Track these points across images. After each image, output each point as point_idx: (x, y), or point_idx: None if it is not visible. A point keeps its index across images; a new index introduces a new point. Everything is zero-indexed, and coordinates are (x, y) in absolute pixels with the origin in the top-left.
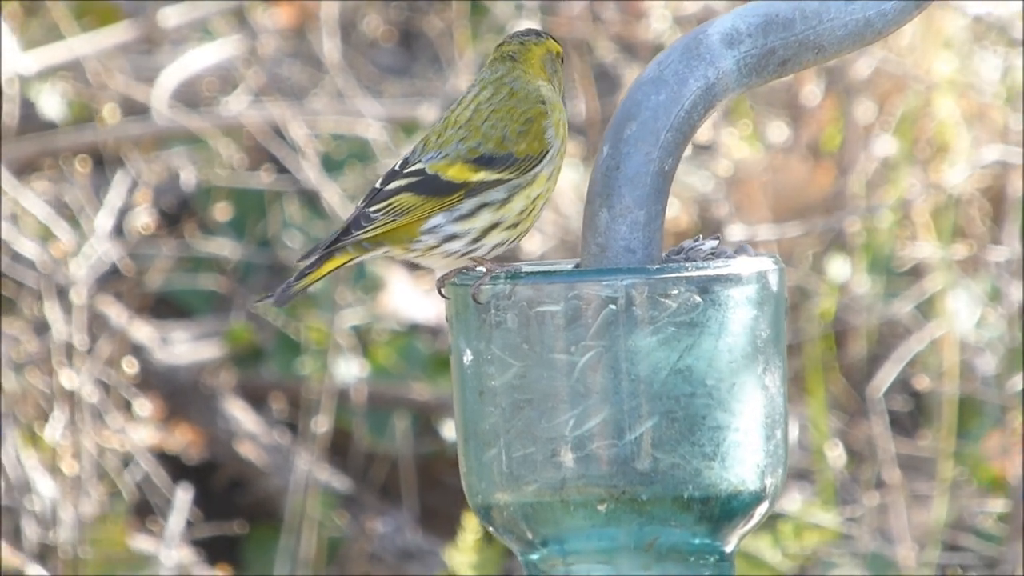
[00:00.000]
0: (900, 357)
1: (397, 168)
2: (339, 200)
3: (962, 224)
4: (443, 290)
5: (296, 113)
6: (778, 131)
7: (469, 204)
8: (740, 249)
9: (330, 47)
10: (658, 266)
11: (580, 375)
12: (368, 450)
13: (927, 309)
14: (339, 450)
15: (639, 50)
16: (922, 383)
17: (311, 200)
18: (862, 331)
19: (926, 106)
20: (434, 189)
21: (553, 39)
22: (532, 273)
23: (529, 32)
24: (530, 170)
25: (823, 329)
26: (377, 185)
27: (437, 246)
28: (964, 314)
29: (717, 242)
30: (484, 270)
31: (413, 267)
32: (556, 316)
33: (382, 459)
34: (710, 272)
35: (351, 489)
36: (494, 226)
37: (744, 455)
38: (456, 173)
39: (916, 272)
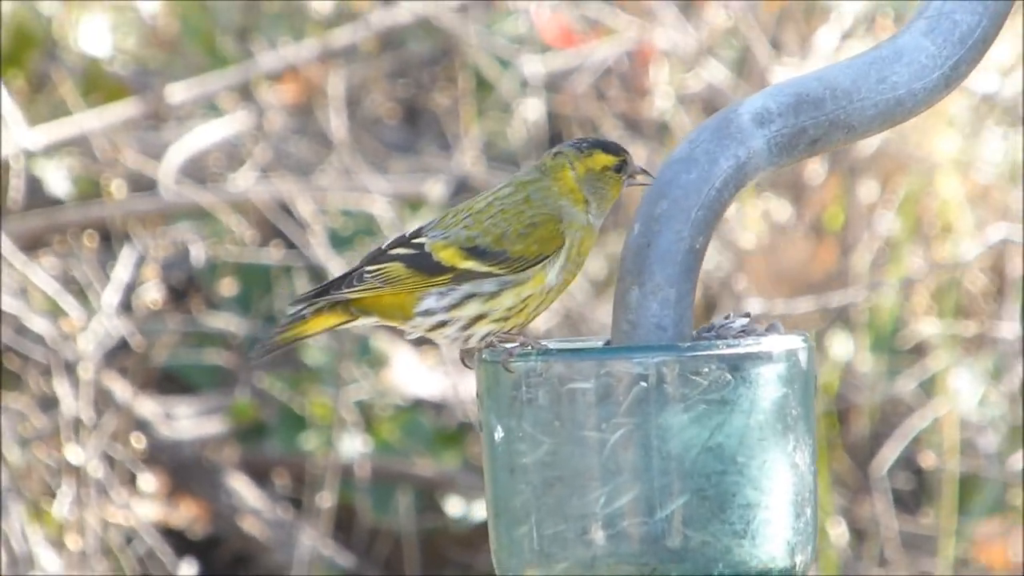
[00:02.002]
0: (903, 435)
1: (407, 235)
2: None
3: (964, 303)
4: (467, 361)
5: (303, 189)
6: (782, 209)
7: (459, 292)
8: (771, 327)
9: (337, 123)
10: (689, 344)
11: (611, 452)
12: (372, 526)
13: (929, 387)
14: (343, 526)
15: (643, 127)
16: (926, 461)
17: (318, 276)
18: (865, 409)
19: (929, 185)
20: (423, 266)
21: (606, 149)
22: (563, 350)
23: (574, 145)
24: (523, 270)
25: (826, 406)
26: (383, 246)
27: (431, 329)
28: (966, 392)
29: (748, 320)
30: (513, 346)
31: (418, 342)
32: (587, 393)
33: (386, 535)
34: (741, 350)
35: (355, 565)
36: (482, 317)
37: (774, 533)
38: (447, 256)
39: (919, 350)
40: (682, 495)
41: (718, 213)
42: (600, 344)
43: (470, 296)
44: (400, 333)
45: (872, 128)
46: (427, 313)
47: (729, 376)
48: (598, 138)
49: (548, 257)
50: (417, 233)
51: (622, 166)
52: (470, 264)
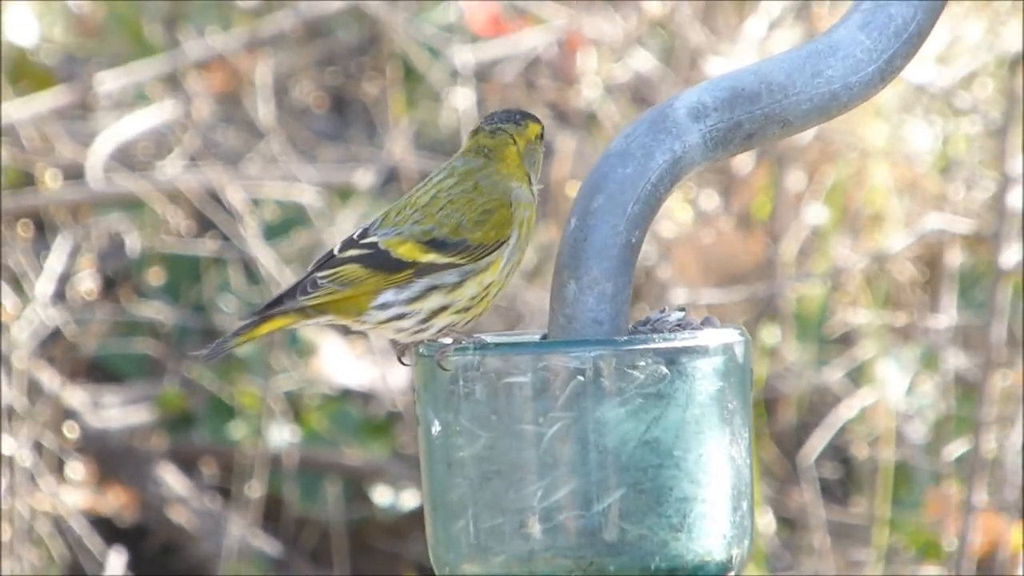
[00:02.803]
0: (830, 424)
1: (355, 237)
2: (275, 266)
3: (893, 292)
4: (404, 359)
5: (232, 177)
6: (709, 199)
7: (419, 285)
8: (706, 320)
9: (265, 111)
10: (626, 338)
11: (548, 446)
12: (300, 515)
13: (857, 377)
14: (271, 515)
15: (571, 117)
16: (860, 450)
17: (247, 265)
18: (793, 398)
19: (857, 175)
20: (383, 264)
21: (534, 118)
22: (500, 344)
23: (508, 119)
24: (483, 257)
25: (754, 396)
26: (334, 251)
27: (386, 322)
28: (894, 382)
29: (683, 313)
30: (450, 340)
31: (347, 332)
32: (524, 387)
33: (314, 524)
34: (677, 344)
35: (283, 554)
36: (443, 308)
37: (711, 526)
38: (406, 252)
39: (847, 340)
40: (619, 489)
41: (654, 207)
42: (537, 338)
43: (431, 288)
44: (346, 328)
45: (808, 122)
46: (383, 307)
47: (665, 370)
48: (520, 109)
49: (505, 242)
50: (364, 234)
51: (543, 132)
52: (431, 257)
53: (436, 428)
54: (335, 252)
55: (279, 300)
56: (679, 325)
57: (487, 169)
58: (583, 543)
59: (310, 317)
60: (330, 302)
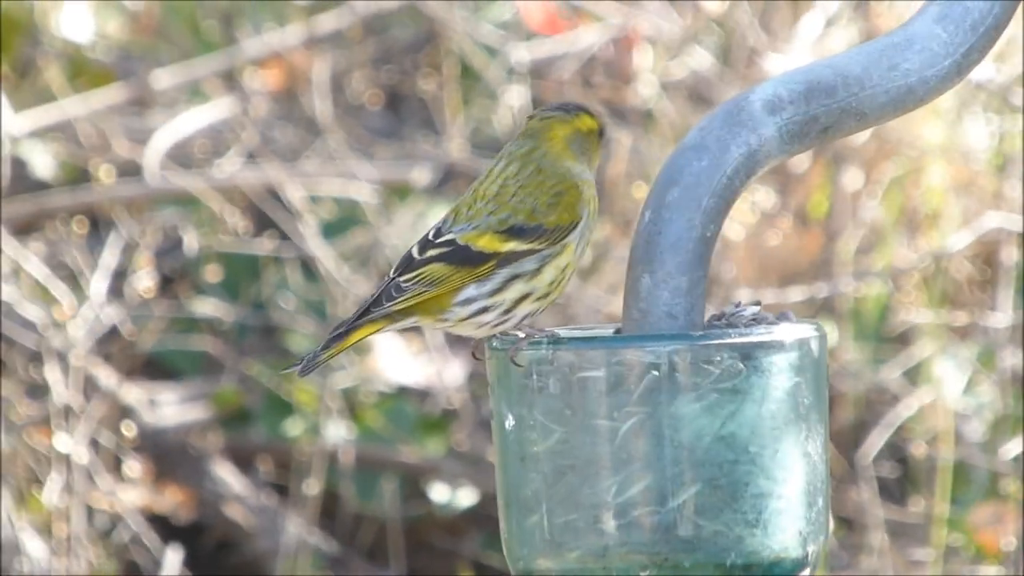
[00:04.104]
0: (888, 423)
1: (431, 237)
2: (334, 263)
3: (949, 291)
4: (477, 354)
5: (290, 175)
6: (767, 198)
7: (501, 276)
8: (781, 315)
9: (322, 108)
10: (701, 332)
11: (623, 441)
12: (356, 512)
13: (915, 376)
14: (327, 512)
15: (628, 114)
16: (917, 449)
17: (306, 262)
18: (850, 397)
19: (913, 173)
20: (465, 259)
21: (590, 114)
22: (574, 338)
23: (559, 108)
24: (560, 240)
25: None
26: (413, 253)
27: (468, 318)
28: (952, 381)
29: (758, 308)
30: (523, 334)
31: (402, 329)
32: (598, 382)
33: (370, 521)
34: (753, 339)
35: (339, 551)
36: (525, 297)
37: (787, 522)
38: (487, 243)
39: (904, 339)
40: (694, 484)
41: (729, 201)
42: (611, 332)
43: (512, 278)
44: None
45: (884, 116)
46: (466, 302)
47: (741, 365)
48: (582, 103)
49: (577, 223)
50: (438, 233)
51: (603, 130)
52: (511, 245)
53: (510, 422)
54: (414, 255)
55: (365, 310)
56: (754, 320)
57: (538, 151)
58: (658, 539)
59: (396, 321)
60: (415, 304)
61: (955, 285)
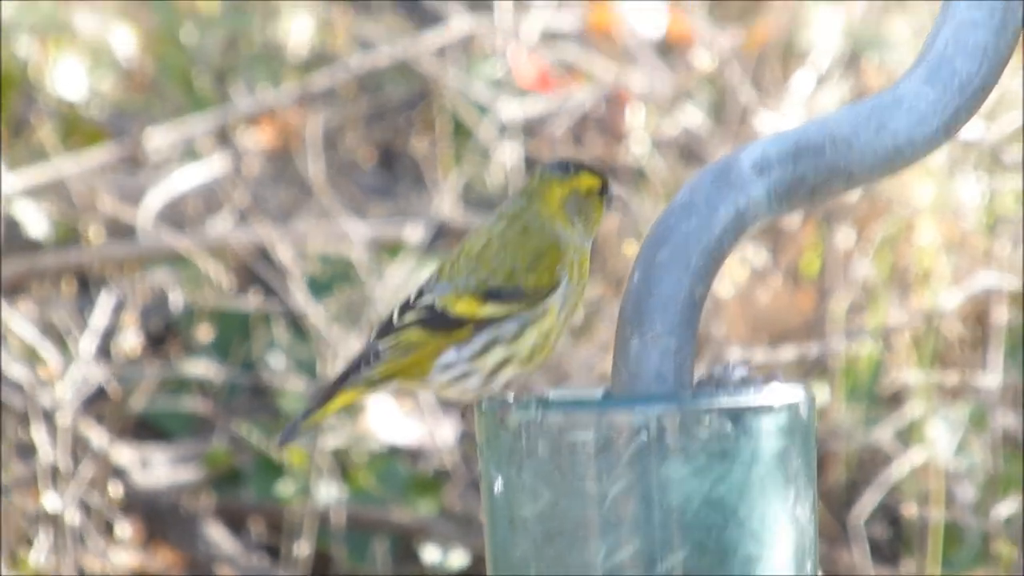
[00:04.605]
0: (881, 484)
1: (411, 300)
2: (325, 322)
3: (941, 350)
4: (467, 413)
5: (281, 234)
6: (759, 256)
7: (480, 340)
8: (770, 377)
9: (315, 167)
10: (690, 395)
11: (612, 505)
12: (348, 573)
13: (907, 436)
14: (319, 573)
15: (620, 173)
16: (908, 510)
17: (296, 321)
18: (842, 457)
19: (905, 232)
20: (441, 324)
21: (592, 172)
22: (563, 401)
23: (559, 167)
24: (539, 303)
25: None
26: (392, 318)
27: (450, 383)
28: (944, 441)
29: (747, 369)
30: (511, 397)
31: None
32: (587, 445)
33: None
34: (742, 402)
35: None
36: (506, 361)
37: None
38: (464, 307)
39: (897, 399)
40: (683, 548)
41: (718, 261)
42: (600, 394)
43: (492, 342)
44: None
45: (873, 176)
46: (447, 367)
47: (730, 428)
48: (580, 160)
49: (558, 285)
50: (420, 295)
51: (605, 188)
52: (489, 309)
53: (499, 485)
54: (393, 318)
55: (344, 375)
56: (743, 381)
57: (531, 211)
58: None
59: (377, 386)
60: (396, 369)
61: (947, 345)
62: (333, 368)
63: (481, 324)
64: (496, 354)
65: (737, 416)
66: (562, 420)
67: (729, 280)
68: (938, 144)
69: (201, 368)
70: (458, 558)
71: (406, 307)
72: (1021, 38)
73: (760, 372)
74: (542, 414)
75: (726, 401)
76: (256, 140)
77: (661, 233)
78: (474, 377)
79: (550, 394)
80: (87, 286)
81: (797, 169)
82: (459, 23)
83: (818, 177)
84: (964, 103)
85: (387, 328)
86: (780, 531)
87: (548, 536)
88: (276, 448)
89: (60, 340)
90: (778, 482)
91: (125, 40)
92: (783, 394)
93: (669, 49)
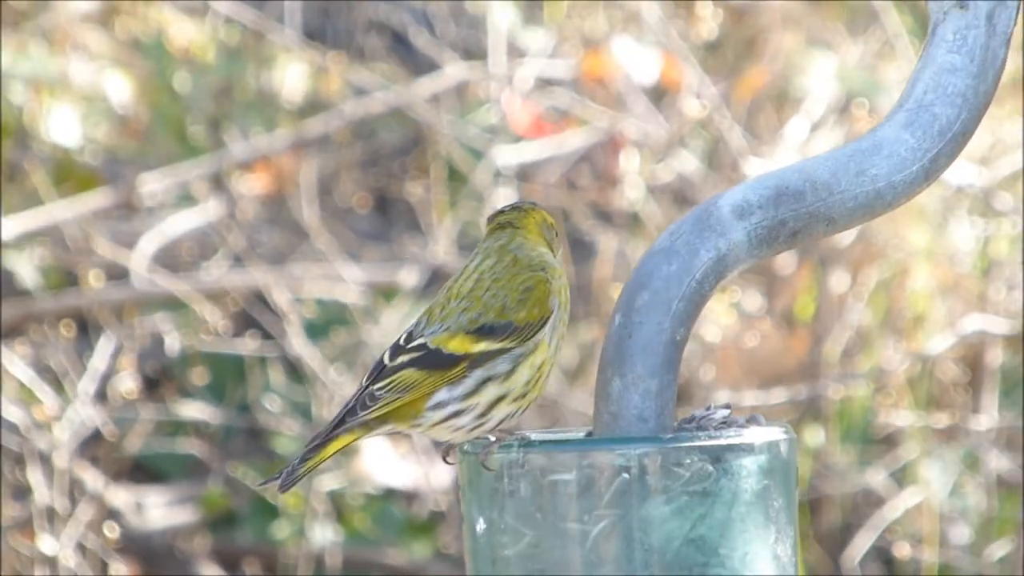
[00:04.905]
0: (875, 525)
1: (401, 343)
2: (320, 365)
3: (935, 393)
4: (448, 458)
5: (277, 278)
6: (753, 300)
7: (473, 378)
8: (751, 419)
9: (309, 211)
10: (671, 435)
11: (593, 545)
12: None
13: (901, 478)
14: None
15: (614, 217)
16: (902, 550)
17: (291, 364)
18: (836, 499)
19: (899, 276)
20: (436, 363)
21: (538, 207)
22: (545, 441)
23: (516, 205)
24: (531, 337)
25: (798, 497)
26: (384, 360)
27: (442, 421)
28: (938, 483)
29: (729, 411)
30: (493, 438)
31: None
32: (569, 485)
33: None
34: (723, 442)
35: None
36: (500, 399)
37: None
38: (457, 345)
39: (890, 441)
40: None
41: (699, 305)
42: (581, 435)
43: (485, 380)
44: (405, 435)
45: (852, 220)
46: (439, 406)
47: (711, 468)
48: (525, 200)
49: (548, 318)
50: (410, 338)
51: (551, 223)
52: (482, 345)
53: (481, 526)
54: (385, 361)
55: (340, 419)
56: (724, 423)
57: (516, 239)
58: None
59: (372, 429)
60: (390, 412)
61: (941, 387)
62: (329, 411)
63: (475, 362)
64: (489, 392)
65: (718, 456)
66: (544, 461)
67: (723, 325)
68: (919, 188)
69: (197, 411)
70: None
71: (398, 350)
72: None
73: (741, 413)
74: (524, 455)
75: (707, 441)
76: (251, 186)
77: (642, 277)
78: (466, 416)
79: (532, 435)
80: (86, 331)
81: (778, 213)
82: (453, 70)
83: (798, 221)
84: (944, 147)
85: (380, 370)
86: (761, 569)
87: None
88: (276, 494)
89: (56, 383)
90: (759, 521)
91: (119, 87)
92: (764, 434)
93: (663, 95)
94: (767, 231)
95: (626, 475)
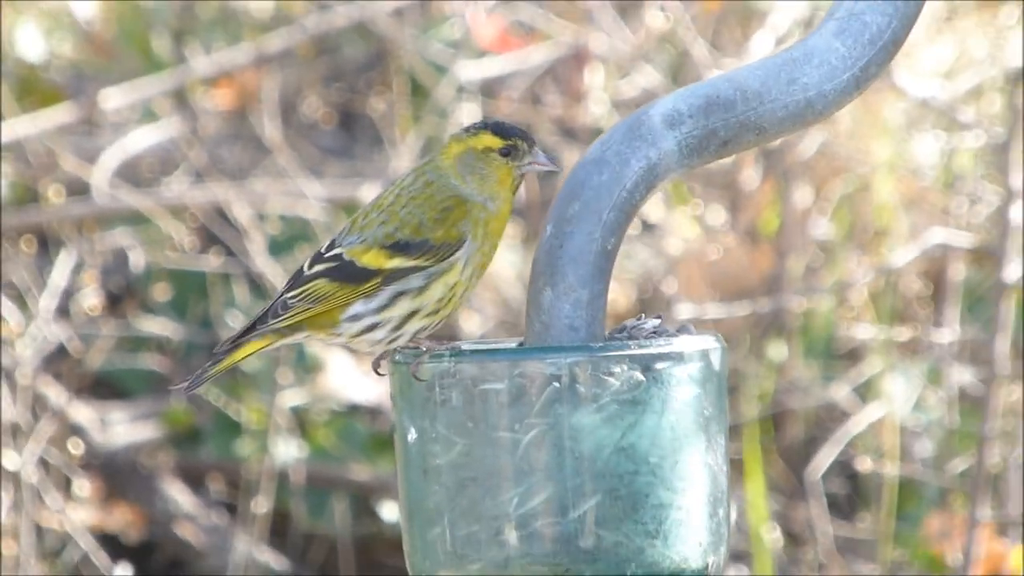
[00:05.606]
0: (838, 440)
1: (322, 251)
2: (282, 280)
3: (899, 307)
4: (379, 369)
5: (238, 193)
6: (716, 214)
7: (387, 293)
8: (682, 328)
9: (271, 127)
10: (601, 344)
11: (524, 453)
12: (307, 531)
13: (864, 392)
14: (278, 531)
15: (578, 133)
16: (864, 465)
17: (253, 280)
18: (800, 414)
19: (863, 190)
20: (349, 276)
21: (498, 134)
22: (476, 351)
23: (473, 124)
24: (446, 258)
25: (761, 411)
26: (304, 268)
27: (360, 334)
28: (901, 397)
29: (659, 321)
30: (424, 348)
31: (352, 348)
32: (500, 394)
33: (321, 540)
34: (653, 350)
35: (290, 570)
36: (413, 313)
37: (687, 533)
38: (371, 259)
39: (854, 355)
40: (594, 495)
41: (629, 214)
42: (513, 345)
43: (398, 294)
44: (323, 342)
45: (783, 130)
46: (355, 318)
47: (641, 376)
48: (499, 120)
49: (466, 240)
50: (331, 246)
51: (510, 150)
52: (396, 262)
53: (412, 435)
54: (304, 270)
55: (252, 325)
56: (655, 332)
57: (431, 164)
58: (559, 550)
59: (286, 336)
60: (305, 319)
61: (904, 302)
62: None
63: (388, 277)
64: (402, 306)
65: (648, 364)
66: (475, 370)
67: (681, 239)
68: (849, 97)
69: (158, 326)
70: None
71: (317, 259)
72: None
73: (672, 324)
74: (455, 364)
75: (637, 350)
76: (214, 102)
77: (573, 187)
78: (381, 329)
79: (464, 345)
80: (47, 247)
81: (708, 123)
82: None
83: (729, 131)
84: (875, 56)
85: (297, 279)
86: (692, 478)
87: (461, 485)
88: (181, 395)
89: (20, 299)
90: (690, 430)
91: (84, 2)
92: (694, 343)
93: (628, 9)
94: (697, 140)
95: (556, 384)
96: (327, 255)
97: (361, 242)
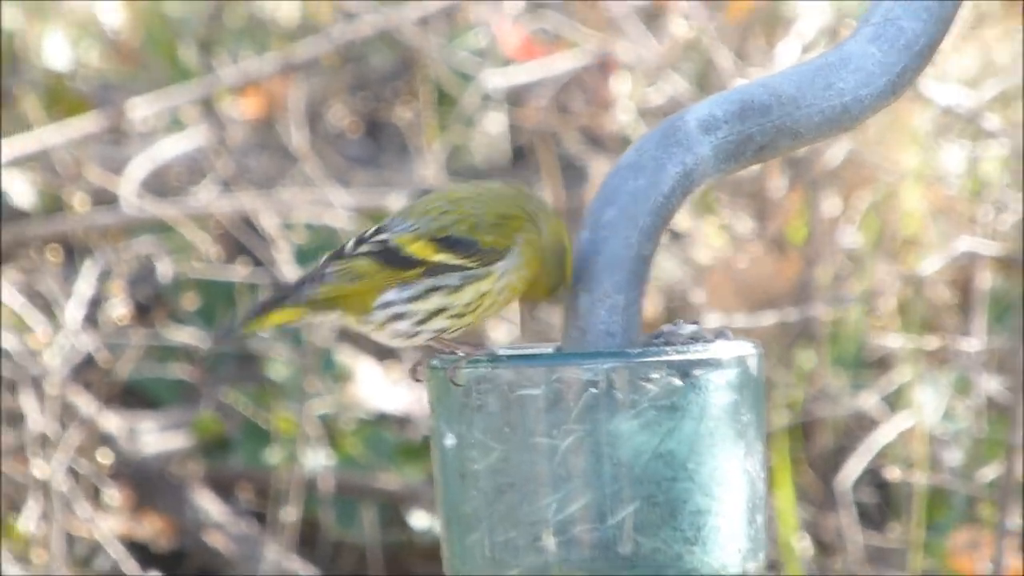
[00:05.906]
0: (867, 449)
1: (367, 234)
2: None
3: (928, 316)
4: (417, 375)
5: (265, 203)
6: (744, 223)
7: (424, 284)
8: (719, 334)
9: (298, 136)
10: (639, 350)
11: (562, 459)
12: (336, 539)
13: (894, 401)
14: (307, 540)
15: (605, 141)
16: (893, 474)
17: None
18: (829, 423)
19: (891, 199)
20: (392, 260)
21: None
22: (513, 356)
23: None
24: (487, 264)
25: (790, 420)
26: (346, 247)
27: (385, 323)
28: (930, 406)
29: (696, 327)
30: (463, 353)
31: (381, 356)
32: (537, 400)
33: (350, 548)
34: (691, 356)
35: None
36: (440, 311)
37: (725, 540)
38: (417, 249)
39: (883, 364)
40: (633, 502)
41: (666, 220)
42: (550, 350)
43: (434, 289)
44: (351, 330)
45: (819, 135)
46: (386, 305)
47: (679, 382)
48: None
49: (511, 253)
50: (378, 231)
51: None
52: (443, 257)
53: (450, 441)
54: (347, 247)
55: (289, 291)
56: (693, 338)
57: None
58: (597, 556)
59: (318, 312)
60: (338, 297)
61: (934, 311)
62: (319, 335)
63: (431, 270)
64: (433, 301)
65: (686, 370)
66: (512, 376)
67: (709, 248)
68: (885, 103)
69: (187, 336)
70: None
71: (361, 240)
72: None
73: (709, 330)
74: (492, 370)
75: (674, 356)
76: (241, 110)
77: (608, 193)
78: (406, 321)
79: (500, 350)
80: (72, 255)
81: (744, 128)
82: None
83: (765, 136)
84: (911, 62)
85: (339, 255)
86: (730, 484)
87: (499, 490)
88: (209, 346)
89: (47, 309)
90: (727, 436)
91: (111, 12)
92: (732, 349)
93: (656, 17)
94: (733, 145)
95: (594, 390)
96: (373, 239)
97: (413, 230)
